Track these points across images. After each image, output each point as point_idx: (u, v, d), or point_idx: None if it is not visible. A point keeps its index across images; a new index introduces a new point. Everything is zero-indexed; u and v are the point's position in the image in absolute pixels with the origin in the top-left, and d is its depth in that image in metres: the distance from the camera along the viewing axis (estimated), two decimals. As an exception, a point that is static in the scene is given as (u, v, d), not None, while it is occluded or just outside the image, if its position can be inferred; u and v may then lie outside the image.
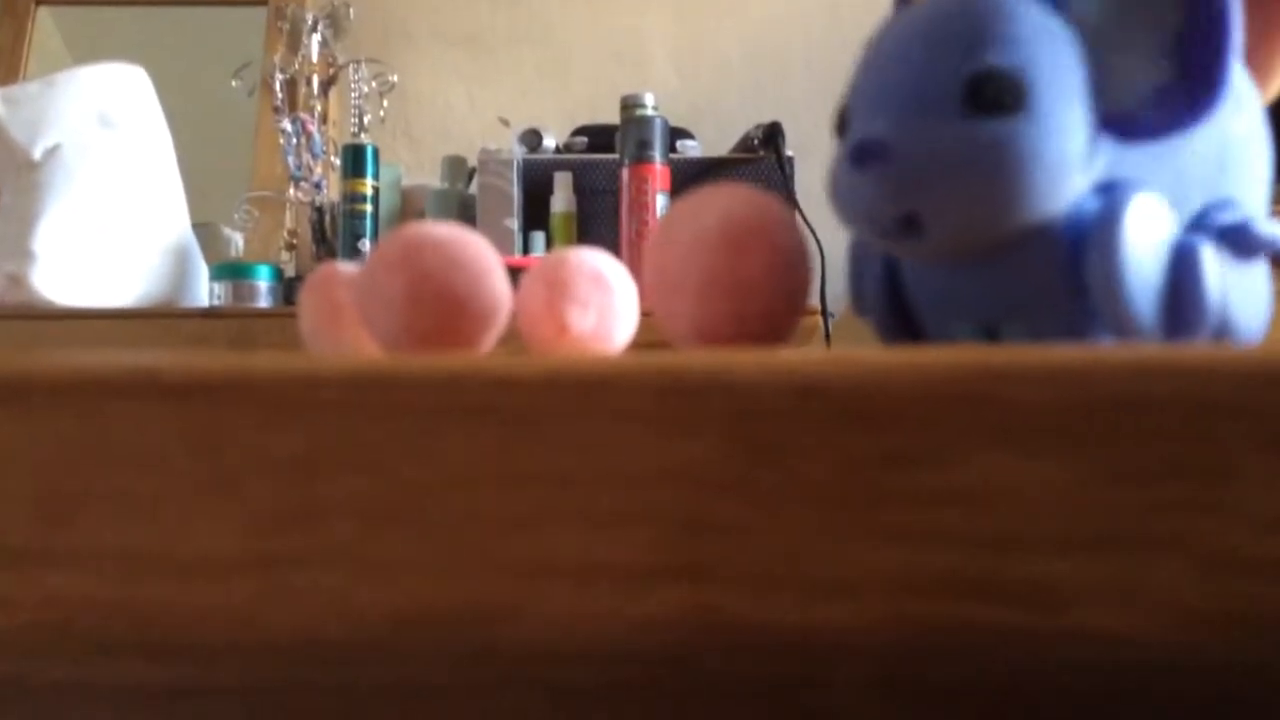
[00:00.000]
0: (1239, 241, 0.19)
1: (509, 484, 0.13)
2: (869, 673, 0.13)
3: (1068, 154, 0.19)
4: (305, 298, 0.24)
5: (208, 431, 0.14)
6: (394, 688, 0.14)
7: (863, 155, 0.20)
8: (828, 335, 1.35)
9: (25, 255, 1.40)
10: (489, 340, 0.22)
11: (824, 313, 1.36)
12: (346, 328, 0.23)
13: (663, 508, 0.13)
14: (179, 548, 0.14)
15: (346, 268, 0.24)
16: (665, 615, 0.13)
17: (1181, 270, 0.19)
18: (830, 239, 1.57)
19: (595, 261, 0.23)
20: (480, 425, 0.14)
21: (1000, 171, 0.19)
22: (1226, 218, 0.20)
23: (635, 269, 0.24)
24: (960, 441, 0.13)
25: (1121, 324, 0.19)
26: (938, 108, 0.20)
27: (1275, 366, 0.13)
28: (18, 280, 1.39)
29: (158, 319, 1.34)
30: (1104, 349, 0.13)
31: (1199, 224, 0.20)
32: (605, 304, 0.23)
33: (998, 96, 0.19)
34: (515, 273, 0.26)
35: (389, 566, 0.14)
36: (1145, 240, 0.19)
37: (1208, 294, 0.19)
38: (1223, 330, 0.20)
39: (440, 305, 0.20)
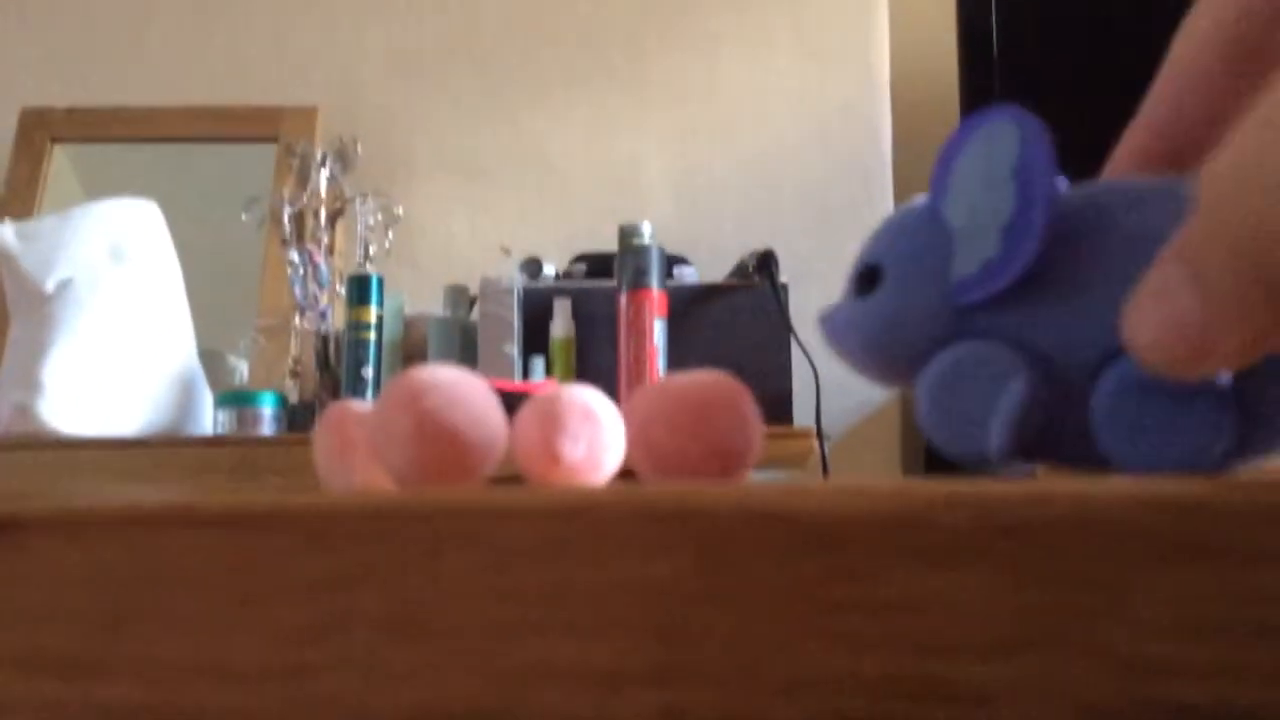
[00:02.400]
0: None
1: (503, 599, 0.15)
2: (820, 764, 0.15)
3: (911, 318, 0.23)
4: (320, 434, 0.26)
5: (242, 557, 0.16)
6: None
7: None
8: (824, 458, 1.37)
9: (33, 386, 1.43)
10: (488, 469, 0.24)
11: (819, 436, 1.38)
12: (359, 462, 0.25)
13: (636, 619, 0.15)
14: (216, 658, 0.16)
15: (358, 406, 0.26)
16: (642, 714, 0.15)
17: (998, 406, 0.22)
18: (824, 364, 1.60)
19: (585, 397, 0.26)
20: (477, 549, 0.16)
21: (859, 329, 0.24)
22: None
23: (632, 392, 0.26)
24: (891, 559, 0.15)
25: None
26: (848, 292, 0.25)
27: (1163, 490, 0.15)
28: (25, 410, 1.42)
29: (161, 448, 1.36)
30: (1011, 483, 0.15)
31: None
32: (594, 436, 0.25)
33: (866, 282, 0.24)
34: (515, 398, 0.28)
35: (400, 673, 0.15)
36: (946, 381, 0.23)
37: (1002, 423, 0.22)
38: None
39: (444, 441, 0.22)
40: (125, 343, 1.49)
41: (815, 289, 1.78)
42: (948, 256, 0.23)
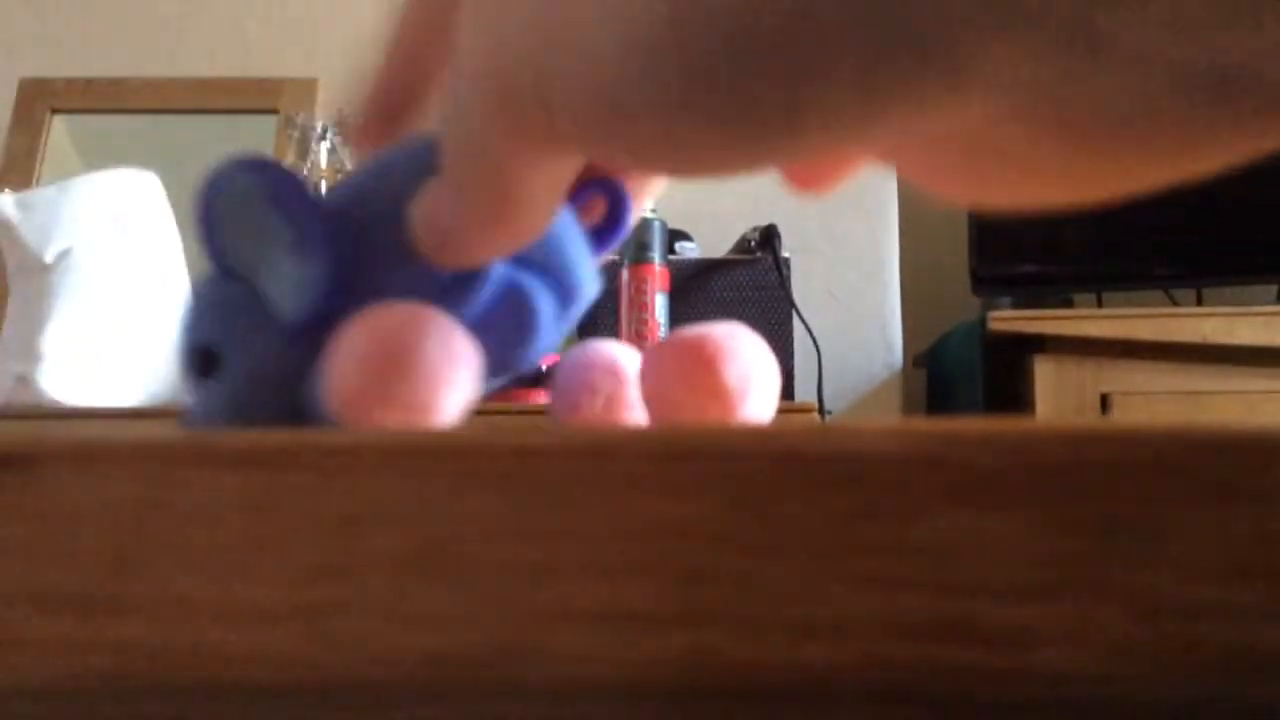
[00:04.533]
0: None
1: (528, 539, 0.15)
2: (851, 708, 0.15)
3: (261, 373, 0.24)
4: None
5: (258, 494, 0.16)
6: (424, 725, 0.16)
7: None
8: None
9: (34, 356, 1.42)
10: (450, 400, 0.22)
11: (821, 411, 1.37)
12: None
13: (664, 560, 0.15)
14: (231, 598, 0.15)
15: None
16: (667, 656, 0.15)
17: None
18: (827, 340, 1.60)
19: (611, 352, 0.26)
20: (501, 489, 0.15)
21: (223, 412, 0.24)
22: None
23: (645, 349, 0.26)
24: (923, 499, 0.15)
25: None
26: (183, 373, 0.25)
27: (1201, 431, 0.15)
28: (26, 380, 1.42)
29: (161, 418, 1.36)
30: (1048, 423, 0.15)
31: None
32: (616, 392, 0.25)
33: (206, 366, 0.24)
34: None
35: (419, 613, 0.15)
36: None
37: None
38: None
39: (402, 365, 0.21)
40: (126, 313, 1.48)
41: (817, 265, 1.78)
42: (259, 307, 0.24)
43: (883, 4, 0.15)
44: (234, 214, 0.24)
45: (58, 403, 1.39)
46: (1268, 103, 0.16)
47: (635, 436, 0.15)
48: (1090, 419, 0.23)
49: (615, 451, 0.15)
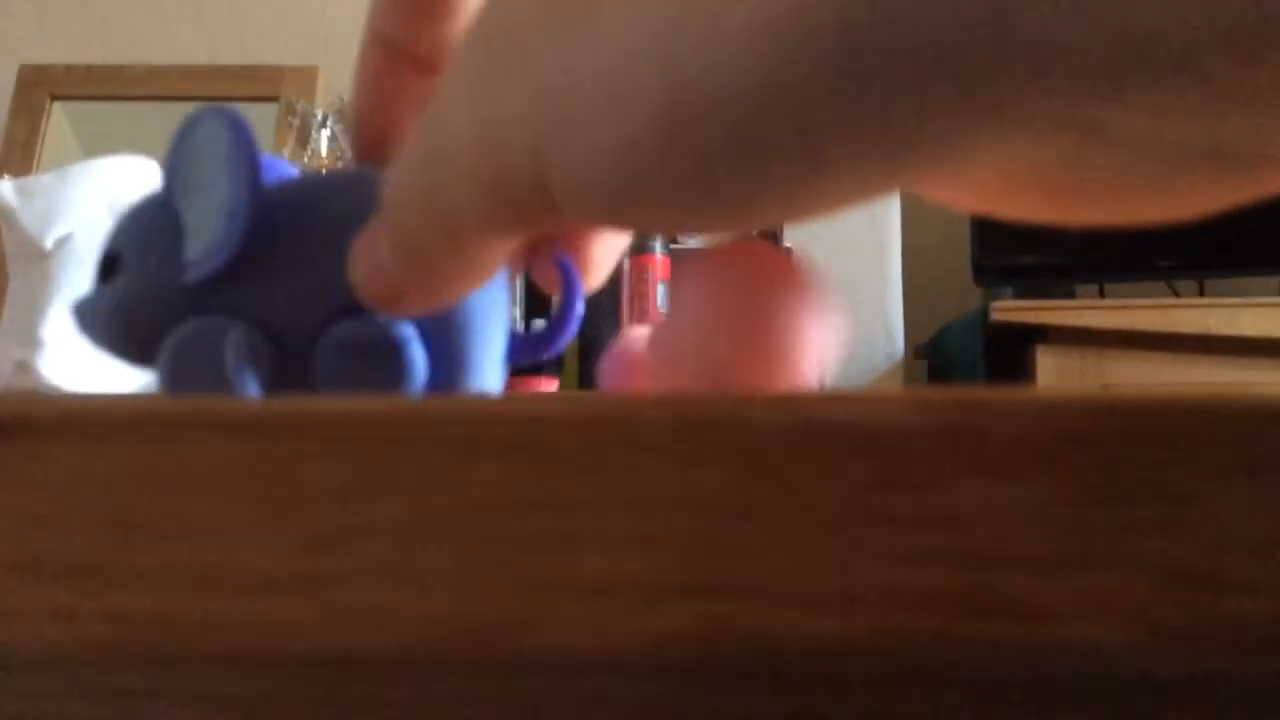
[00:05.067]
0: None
1: (534, 509, 0.15)
2: (867, 681, 0.15)
3: (147, 301, 0.25)
4: (607, 363, 0.27)
5: (260, 462, 0.15)
6: (430, 698, 0.15)
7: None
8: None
9: (34, 343, 1.42)
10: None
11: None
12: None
13: (677, 530, 0.15)
14: (232, 566, 0.15)
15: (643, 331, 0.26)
16: (680, 628, 0.14)
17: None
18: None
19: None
20: (507, 456, 0.15)
21: (101, 316, 0.25)
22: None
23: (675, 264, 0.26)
24: (943, 469, 0.14)
25: None
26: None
27: (1232, 402, 0.14)
28: (26, 367, 1.41)
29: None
30: (1072, 392, 0.14)
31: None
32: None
33: (107, 270, 0.25)
34: (529, 334, 0.28)
35: (422, 584, 0.15)
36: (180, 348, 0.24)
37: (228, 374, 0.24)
38: None
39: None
40: (124, 301, 1.48)
41: (819, 255, 1.77)
42: (179, 242, 0.25)
43: (936, 45, 0.15)
44: (193, 153, 0.25)
45: (58, 389, 1.38)
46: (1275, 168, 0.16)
47: (647, 404, 0.15)
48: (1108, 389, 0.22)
49: (625, 420, 0.15)
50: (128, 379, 1.43)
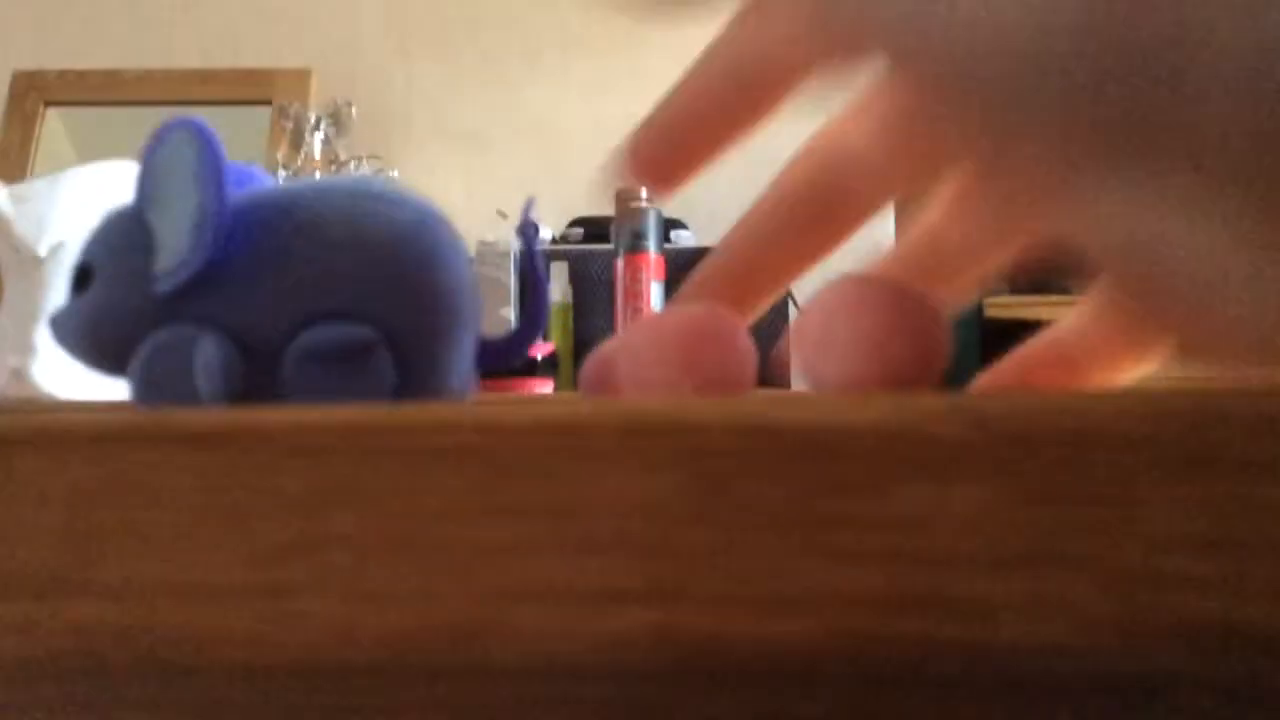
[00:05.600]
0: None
1: (489, 517, 0.15)
2: (819, 683, 0.15)
3: (118, 312, 0.25)
4: (583, 373, 0.27)
5: (217, 473, 0.15)
6: (393, 708, 0.16)
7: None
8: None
9: (28, 349, 1.42)
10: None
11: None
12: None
13: (627, 536, 0.15)
14: (190, 577, 0.15)
15: (613, 344, 0.27)
16: (632, 633, 0.15)
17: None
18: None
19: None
20: (463, 464, 0.15)
21: (75, 326, 0.26)
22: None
23: (624, 327, 0.26)
24: (890, 472, 0.14)
25: None
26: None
27: (1171, 400, 0.14)
28: (20, 374, 1.41)
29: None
30: (1014, 394, 0.15)
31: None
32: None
33: (80, 281, 0.26)
34: (497, 340, 0.28)
35: (381, 593, 0.15)
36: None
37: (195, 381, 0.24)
38: None
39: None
40: (119, 306, 1.48)
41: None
42: (150, 254, 0.25)
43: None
44: (164, 165, 0.25)
45: (52, 396, 1.39)
46: None
47: (599, 411, 0.15)
48: (1057, 388, 0.23)
49: (579, 427, 0.15)
50: (118, 388, 1.43)
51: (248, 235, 0.25)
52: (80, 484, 0.15)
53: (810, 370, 0.23)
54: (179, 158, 0.25)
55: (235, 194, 0.25)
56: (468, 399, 0.27)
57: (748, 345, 0.24)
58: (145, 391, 0.25)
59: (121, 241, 0.26)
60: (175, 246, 0.25)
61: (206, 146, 0.25)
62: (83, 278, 0.26)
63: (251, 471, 0.15)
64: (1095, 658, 0.14)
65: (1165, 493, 0.14)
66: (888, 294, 0.22)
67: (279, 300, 0.25)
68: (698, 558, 0.15)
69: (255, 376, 0.25)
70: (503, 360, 0.29)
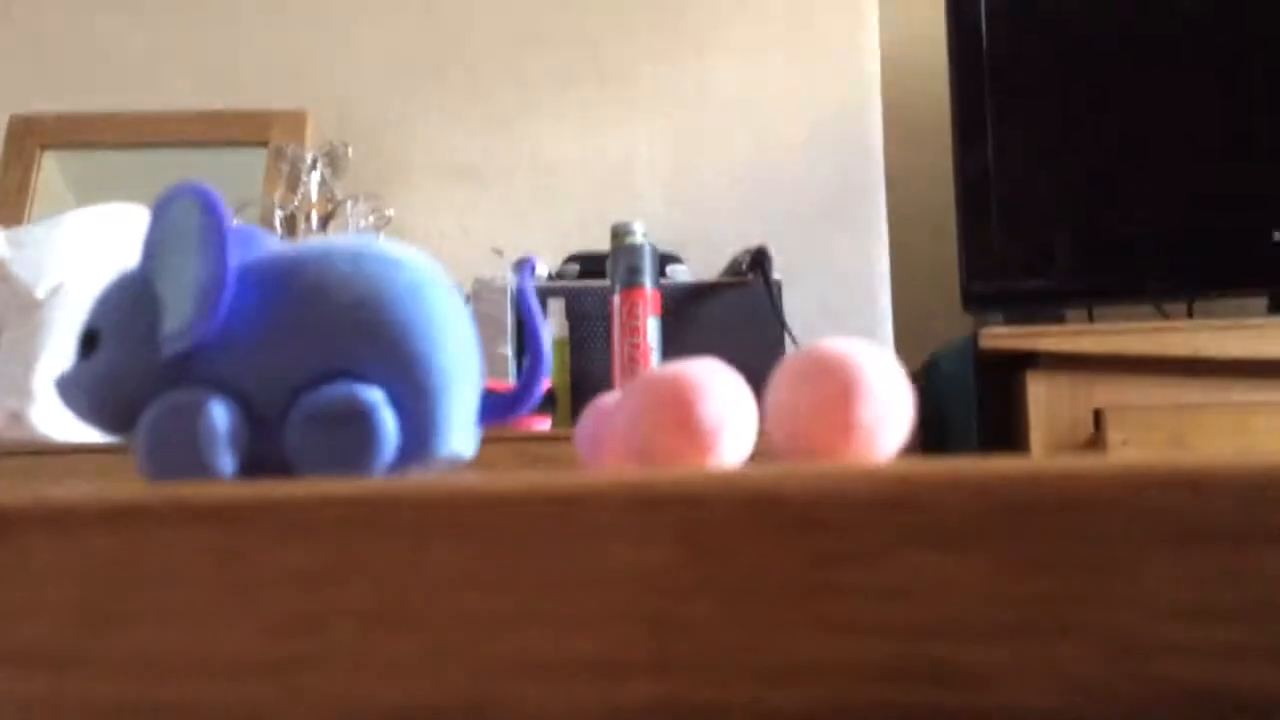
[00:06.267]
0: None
1: (493, 590, 0.15)
2: (818, 752, 0.15)
3: (126, 375, 0.26)
4: (581, 423, 0.28)
5: (227, 548, 0.16)
6: (394, 777, 0.16)
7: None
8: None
9: (26, 393, 1.42)
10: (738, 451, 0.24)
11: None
12: (610, 447, 0.27)
13: (631, 608, 0.15)
14: (200, 652, 0.15)
15: (612, 399, 0.28)
16: (635, 705, 0.15)
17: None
18: (819, 359, 1.59)
19: (865, 361, 0.25)
20: (467, 539, 0.15)
21: (82, 389, 0.26)
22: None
23: (623, 386, 0.27)
24: (889, 542, 0.15)
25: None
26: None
27: (1172, 471, 0.15)
28: (18, 417, 1.41)
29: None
30: (1012, 463, 0.15)
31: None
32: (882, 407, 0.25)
33: (87, 345, 0.27)
34: (500, 395, 0.29)
35: (386, 666, 0.15)
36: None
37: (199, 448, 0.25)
38: None
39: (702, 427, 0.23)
40: (117, 348, 1.48)
41: (809, 286, 1.78)
42: (157, 318, 0.26)
43: None
44: (168, 232, 0.26)
45: (50, 439, 1.38)
46: None
47: (600, 484, 0.15)
48: (1063, 454, 0.23)
49: (580, 499, 0.15)
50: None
51: (252, 299, 0.26)
52: (89, 560, 0.16)
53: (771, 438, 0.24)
54: (184, 224, 0.26)
55: (239, 257, 0.26)
56: (470, 463, 0.27)
57: (745, 398, 0.24)
58: (152, 453, 0.25)
59: (128, 306, 0.26)
60: (181, 311, 0.25)
61: (211, 214, 0.25)
62: (89, 341, 0.26)
63: (259, 546, 0.16)
64: (1093, 724, 0.14)
65: (1164, 561, 0.14)
66: (809, 364, 0.23)
67: (283, 363, 0.25)
68: (698, 629, 0.15)
69: (260, 438, 0.25)
70: (507, 413, 0.29)
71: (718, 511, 0.15)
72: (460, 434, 0.27)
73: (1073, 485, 0.15)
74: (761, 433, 0.24)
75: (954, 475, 0.15)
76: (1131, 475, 0.15)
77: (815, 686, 0.15)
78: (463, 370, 0.27)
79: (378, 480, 0.16)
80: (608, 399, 0.29)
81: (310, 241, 0.28)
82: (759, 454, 0.24)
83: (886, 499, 0.15)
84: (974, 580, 0.15)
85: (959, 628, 0.15)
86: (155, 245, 0.26)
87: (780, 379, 0.24)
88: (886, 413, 0.22)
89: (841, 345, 0.23)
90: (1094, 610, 0.14)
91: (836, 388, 0.22)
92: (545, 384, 0.29)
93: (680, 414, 0.23)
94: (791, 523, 0.15)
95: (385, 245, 0.28)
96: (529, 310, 0.31)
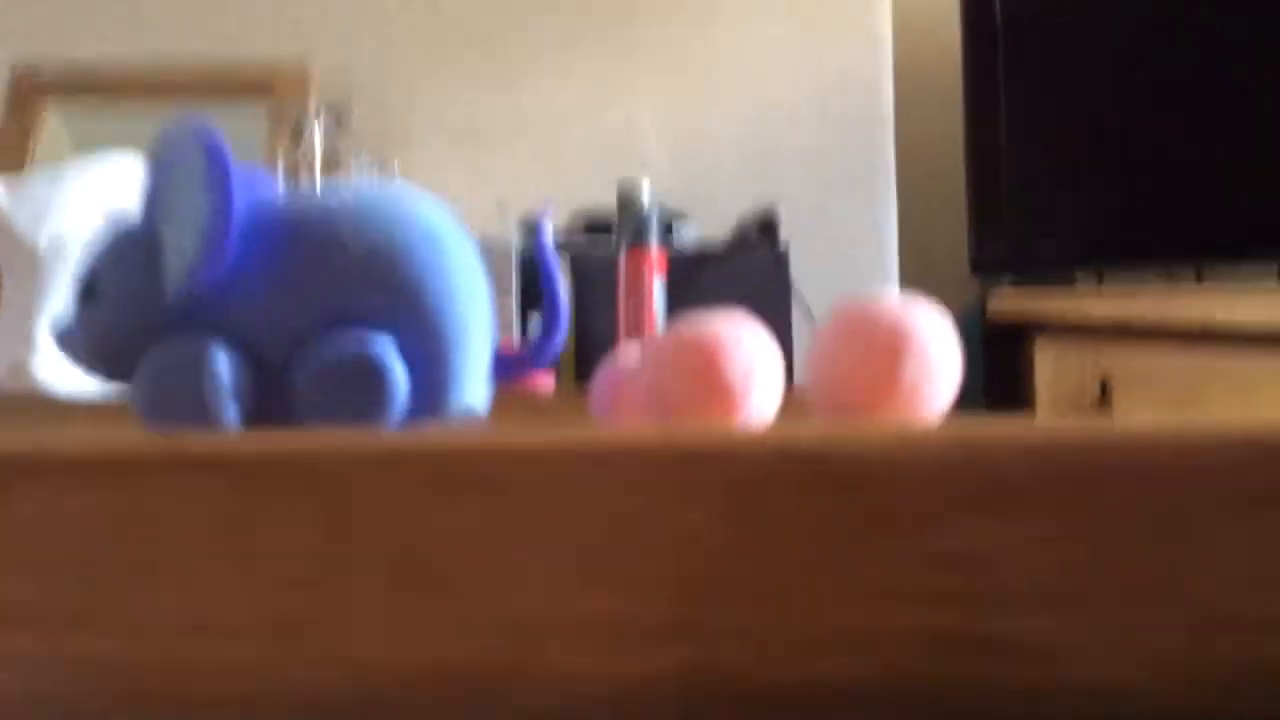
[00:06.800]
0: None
1: (517, 549, 0.14)
2: (863, 728, 0.14)
3: (126, 321, 0.25)
4: (597, 379, 0.27)
5: (231, 503, 0.15)
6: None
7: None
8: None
9: (27, 344, 1.41)
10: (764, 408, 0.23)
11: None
12: (626, 403, 0.26)
13: (660, 569, 0.14)
14: (202, 611, 0.14)
15: (632, 353, 0.27)
16: (666, 672, 0.14)
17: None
18: (825, 322, 1.58)
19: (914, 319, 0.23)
20: (489, 494, 0.14)
21: (82, 336, 0.26)
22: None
23: (645, 341, 0.26)
24: (945, 507, 0.14)
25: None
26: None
27: (1254, 436, 0.14)
28: (20, 368, 1.40)
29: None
30: (1077, 426, 0.14)
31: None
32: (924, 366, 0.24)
33: (87, 294, 0.26)
34: (511, 358, 0.28)
35: (398, 628, 0.14)
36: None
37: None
38: None
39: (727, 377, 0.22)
40: (118, 301, 1.47)
41: (817, 249, 1.77)
42: (158, 263, 0.25)
43: None
44: (171, 176, 0.25)
45: (52, 389, 1.38)
46: None
47: (633, 440, 0.14)
48: (1116, 418, 0.22)
49: (611, 456, 0.14)
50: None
51: (259, 244, 0.24)
52: (84, 513, 0.15)
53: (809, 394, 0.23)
54: (186, 165, 0.25)
55: (243, 201, 0.24)
56: (485, 418, 0.26)
57: (772, 352, 0.23)
58: (152, 401, 0.24)
59: (128, 252, 0.25)
60: (184, 251, 0.24)
61: (214, 152, 0.24)
62: (89, 290, 0.25)
63: (266, 500, 0.14)
64: (1163, 701, 0.13)
65: (1236, 529, 0.13)
66: (859, 318, 0.22)
67: (291, 310, 0.24)
68: (734, 593, 0.14)
69: (266, 388, 0.24)
70: (520, 371, 0.28)
71: (760, 470, 0.14)
72: (474, 388, 0.26)
73: (1135, 450, 0.14)
74: (789, 388, 0.23)
75: (1013, 438, 0.14)
76: (1196, 439, 0.14)
77: (861, 657, 0.14)
78: (477, 322, 0.26)
79: (394, 432, 0.15)
80: (623, 357, 0.28)
81: (321, 187, 0.27)
82: (786, 409, 0.23)
83: (941, 461, 0.14)
84: (1035, 549, 0.14)
85: (1021, 598, 0.14)
86: (156, 188, 0.25)
87: (827, 331, 0.23)
88: (934, 373, 0.21)
89: (893, 301, 0.22)
90: (1159, 580, 0.13)
91: (885, 344, 0.21)
92: (562, 339, 0.27)
93: (707, 371, 0.22)
94: (840, 484, 0.14)
95: (400, 191, 0.27)
96: (546, 265, 0.29)
